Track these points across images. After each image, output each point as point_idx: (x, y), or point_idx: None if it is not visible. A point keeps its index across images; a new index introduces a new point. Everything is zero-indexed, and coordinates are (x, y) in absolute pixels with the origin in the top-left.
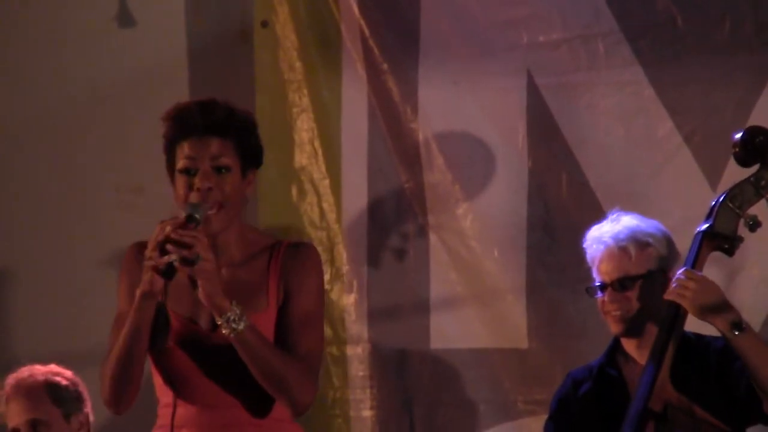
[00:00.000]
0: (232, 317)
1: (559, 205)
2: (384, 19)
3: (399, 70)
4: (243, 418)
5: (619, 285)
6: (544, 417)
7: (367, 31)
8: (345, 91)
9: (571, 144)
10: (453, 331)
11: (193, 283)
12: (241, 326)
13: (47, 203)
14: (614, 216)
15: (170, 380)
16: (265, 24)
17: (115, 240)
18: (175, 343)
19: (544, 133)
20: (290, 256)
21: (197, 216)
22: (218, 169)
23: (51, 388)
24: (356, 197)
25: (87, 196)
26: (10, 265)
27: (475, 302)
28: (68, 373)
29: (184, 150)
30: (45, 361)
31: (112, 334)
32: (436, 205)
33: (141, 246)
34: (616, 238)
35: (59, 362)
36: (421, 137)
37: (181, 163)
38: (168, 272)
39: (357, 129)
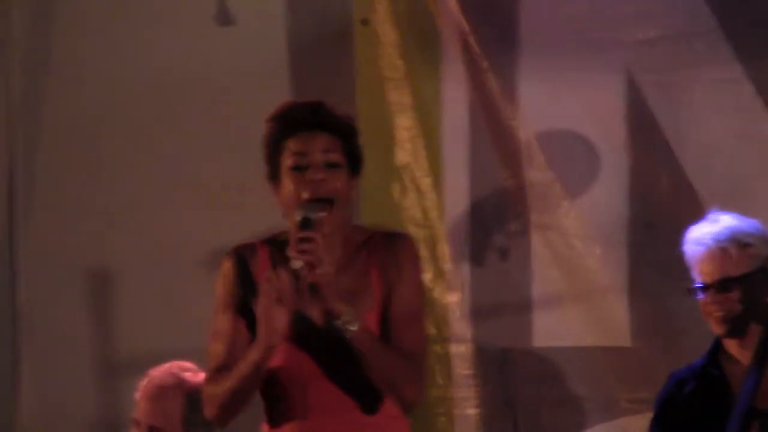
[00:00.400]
0: (348, 319)
1: (659, 203)
2: (483, 16)
3: (499, 68)
4: (358, 417)
5: (721, 286)
6: (647, 415)
7: (466, 29)
8: (445, 88)
9: (671, 141)
10: (555, 329)
11: (310, 288)
12: (356, 327)
13: (150, 203)
14: (713, 216)
15: (281, 380)
16: (365, 22)
17: (218, 239)
18: (285, 342)
19: (645, 130)
20: (385, 248)
21: (312, 218)
22: (329, 165)
23: (188, 403)
24: (458, 195)
25: (190, 195)
26: (114, 265)
27: (577, 300)
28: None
29: (292, 146)
30: (145, 362)
31: (213, 345)
32: (538, 203)
33: (237, 254)
34: (716, 239)
35: (160, 362)
36: (522, 135)
37: (290, 160)
38: (296, 279)
39: (458, 127)
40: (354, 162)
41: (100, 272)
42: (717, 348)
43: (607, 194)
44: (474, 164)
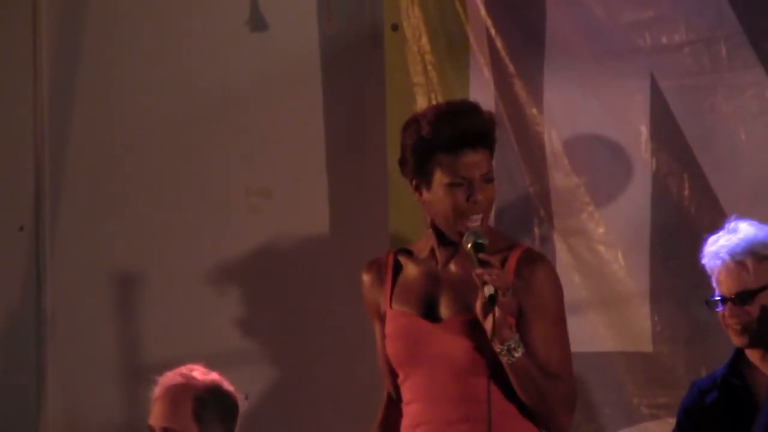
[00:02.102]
0: (513, 345)
1: (681, 209)
2: (510, 22)
3: (525, 73)
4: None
5: (738, 299)
6: (667, 421)
7: (493, 35)
8: (473, 94)
9: (693, 147)
10: (578, 334)
11: (488, 310)
12: (519, 353)
13: (176, 206)
14: (732, 225)
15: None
16: (395, 28)
17: (243, 244)
18: (403, 341)
19: (667, 135)
20: (525, 266)
21: (483, 242)
22: (487, 179)
23: (198, 402)
24: None
25: (216, 199)
26: (139, 268)
27: (599, 306)
28: (227, 388)
29: (449, 163)
30: (169, 367)
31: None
32: (562, 209)
33: (370, 265)
34: (732, 252)
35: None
36: (546, 140)
37: (448, 178)
38: (492, 305)
39: None
40: None
41: (125, 277)
42: (738, 357)
43: (630, 200)
44: (499, 169)
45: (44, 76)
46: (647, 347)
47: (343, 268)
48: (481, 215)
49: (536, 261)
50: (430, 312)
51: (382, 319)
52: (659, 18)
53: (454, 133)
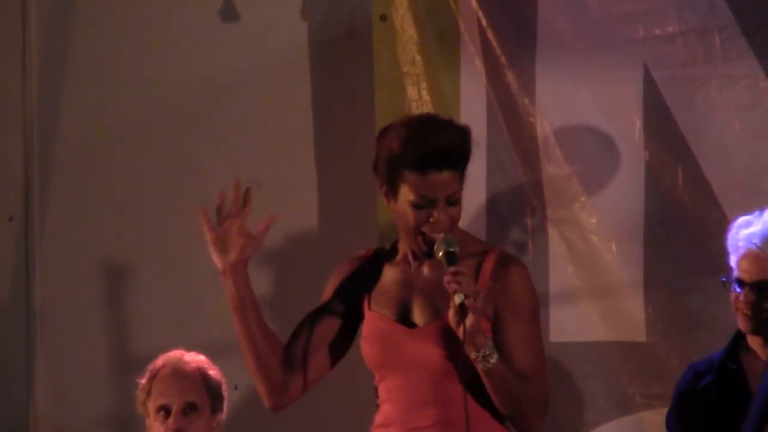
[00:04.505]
0: (488, 352)
1: (675, 199)
2: (501, 12)
3: (517, 63)
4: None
5: (757, 287)
6: (662, 411)
7: (485, 25)
8: (463, 84)
9: (687, 137)
10: (571, 324)
11: (460, 317)
12: (494, 360)
13: (165, 199)
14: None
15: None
16: (384, 18)
17: None
18: (379, 344)
19: (661, 126)
20: (501, 269)
21: (455, 251)
22: (451, 202)
23: (206, 378)
24: (475, 191)
25: (205, 191)
26: (128, 259)
27: (593, 296)
28: (217, 369)
29: (416, 183)
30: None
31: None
32: (555, 199)
33: (354, 263)
34: (764, 240)
35: None
36: (539, 131)
37: (413, 196)
38: (463, 313)
39: (475, 123)
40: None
41: (114, 268)
42: (737, 342)
43: (624, 190)
44: (491, 160)
45: (33, 68)
46: (641, 337)
47: (332, 261)
48: (442, 235)
49: (511, 264)
50: (405, 317)
51: (341, 314)
52: (652, 9)
53: (422, 152)
